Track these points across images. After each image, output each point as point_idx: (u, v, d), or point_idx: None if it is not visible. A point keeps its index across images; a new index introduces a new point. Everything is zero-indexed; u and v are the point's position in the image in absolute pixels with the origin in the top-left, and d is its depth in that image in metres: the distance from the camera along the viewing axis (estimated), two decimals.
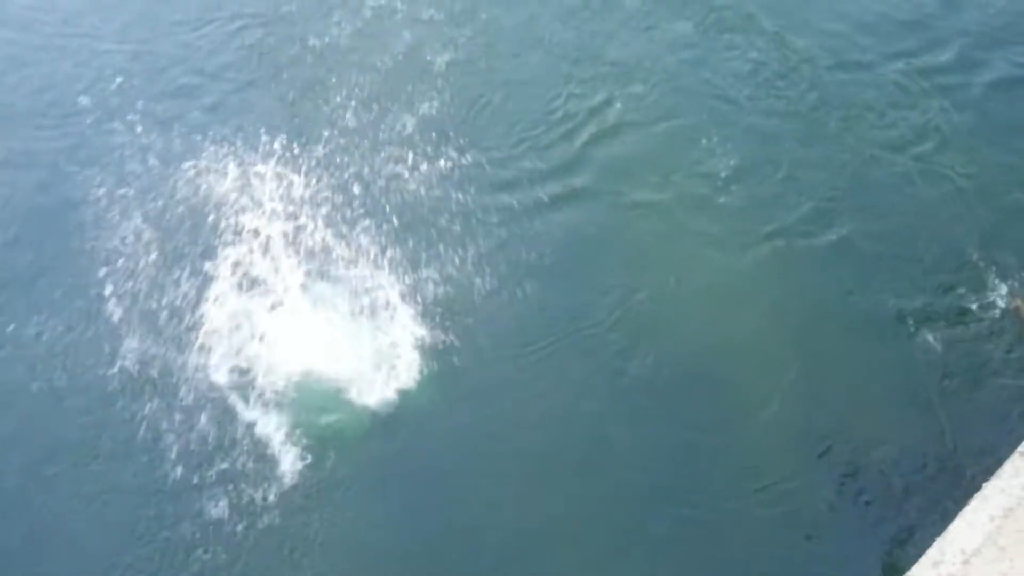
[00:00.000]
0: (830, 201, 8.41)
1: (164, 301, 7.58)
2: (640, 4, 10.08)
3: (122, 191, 8.39)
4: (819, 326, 7.63)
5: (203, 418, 7.02)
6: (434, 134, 8.77)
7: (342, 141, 8.70)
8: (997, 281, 7.76)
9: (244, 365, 7.28)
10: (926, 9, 10.15)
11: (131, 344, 7.40)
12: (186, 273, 7.71)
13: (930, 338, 7.45)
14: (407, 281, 7.72)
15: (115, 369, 7.30)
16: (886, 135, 8.90)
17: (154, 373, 7.26)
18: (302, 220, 7.91)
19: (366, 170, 8.44)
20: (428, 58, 9.50)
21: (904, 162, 8.67)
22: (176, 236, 8.04)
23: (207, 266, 7.74)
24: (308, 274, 7.65)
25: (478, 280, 7.74)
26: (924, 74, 9.40)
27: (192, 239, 7.99)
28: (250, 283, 7.60)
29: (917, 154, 8.72)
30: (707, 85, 9.30)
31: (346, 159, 8.51)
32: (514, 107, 9.09)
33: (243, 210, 7.94)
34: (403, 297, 7.62)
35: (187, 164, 8.47)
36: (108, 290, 7.69)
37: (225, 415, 7.06)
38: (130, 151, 8.77)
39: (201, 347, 7.32)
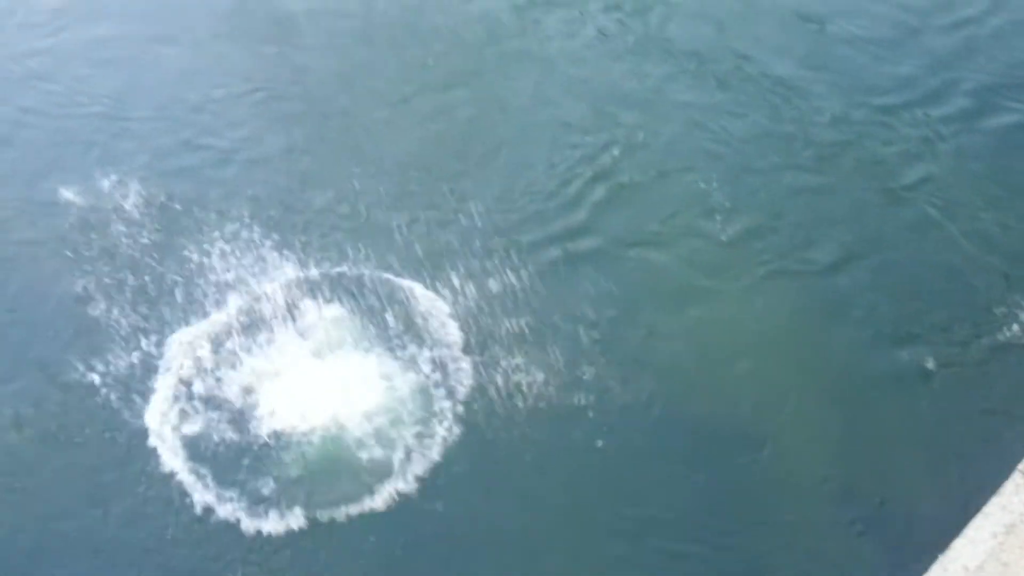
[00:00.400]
0: (840, 248, 8.66)
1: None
2: (639, 60, 10.46)
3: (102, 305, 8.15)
4: (828, 369, 7.89)
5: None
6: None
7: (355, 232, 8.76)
8: (1003, 311, 8.06)
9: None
10: (933, 57, 10.43)
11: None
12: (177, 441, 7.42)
13: (936, 369, 7.73)
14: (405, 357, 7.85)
15: (106, 447, 7.31)
16: (896, 181, 9.15)
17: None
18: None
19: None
20: (438, 128, 9.82)
21: (914, 208, 8.93)
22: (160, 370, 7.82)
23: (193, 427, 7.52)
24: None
25: (486, 342, 7.92)
26: (933, 121, 9.67)
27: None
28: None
29: (927, 200, 8.99)
30: (711, 140, 9.61)
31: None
32: (524, 172, 9.34)
33: (248, 348, 7.89)
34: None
35: (178, 280, 8.29)
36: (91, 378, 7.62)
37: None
38: (125, 252, 8.52)
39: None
